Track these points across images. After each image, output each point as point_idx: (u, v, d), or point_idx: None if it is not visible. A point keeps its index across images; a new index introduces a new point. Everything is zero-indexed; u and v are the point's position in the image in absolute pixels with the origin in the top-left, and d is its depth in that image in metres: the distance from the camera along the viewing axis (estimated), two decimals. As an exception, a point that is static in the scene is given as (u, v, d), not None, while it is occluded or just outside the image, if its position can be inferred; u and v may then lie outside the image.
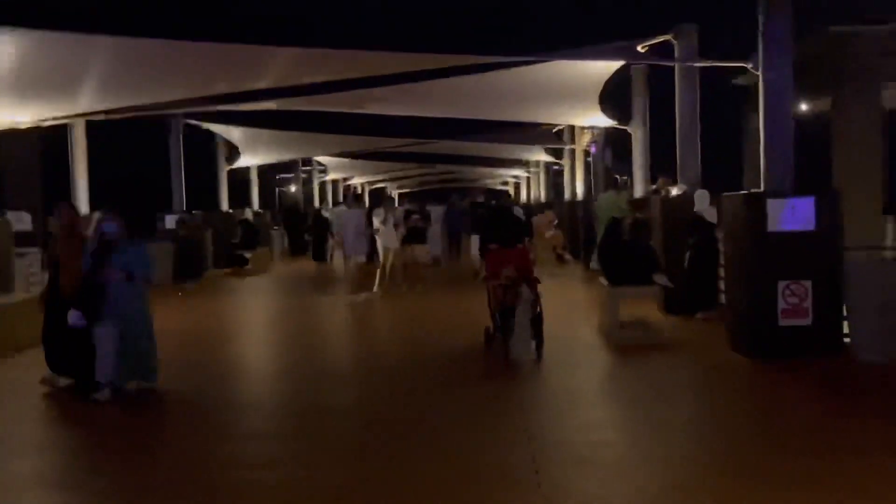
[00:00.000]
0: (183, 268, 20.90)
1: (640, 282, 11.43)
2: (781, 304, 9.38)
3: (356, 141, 29.69)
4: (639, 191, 17.56)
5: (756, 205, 9.55)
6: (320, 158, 39.38)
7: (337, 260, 23.38)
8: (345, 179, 49.83)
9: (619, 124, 17.99)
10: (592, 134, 23.48)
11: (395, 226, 18.17)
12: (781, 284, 9.38)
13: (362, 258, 17.74)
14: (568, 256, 24.84)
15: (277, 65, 12.79)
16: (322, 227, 24.75)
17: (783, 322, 9.40)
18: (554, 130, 27.90)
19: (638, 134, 17.76)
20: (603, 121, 18.26)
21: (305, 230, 28.91)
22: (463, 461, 6.21)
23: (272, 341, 13.19)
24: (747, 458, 6.17)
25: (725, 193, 10.38)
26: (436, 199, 35.60)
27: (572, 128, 27.08)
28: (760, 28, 9.74)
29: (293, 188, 55.48)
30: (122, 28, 11.11)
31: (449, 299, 16.57)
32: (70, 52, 11.42)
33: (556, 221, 25.51)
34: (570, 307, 14.83)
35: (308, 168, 41.73)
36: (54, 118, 15.45)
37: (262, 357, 11.73)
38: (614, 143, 24.09)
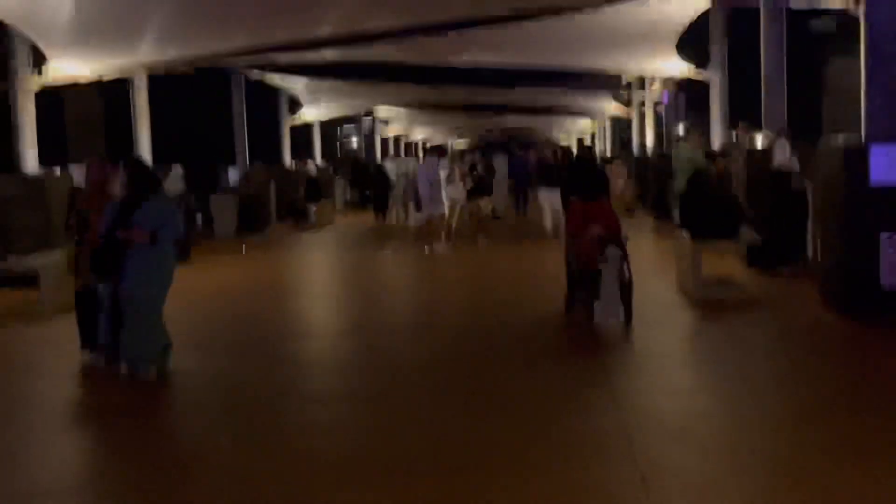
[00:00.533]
0: (247, 222, 20.68)
1: (725, 235, 10.80)
2: (884, 260, 8.68)
3: (418, 91, 29.05)
4: (716, 142, 16.76)
5: (857, 153, 8.83)
6: (382, 111, 38.88)
7: (399, 215, 22.89)
8: (406, 133, 49.30)
9: (697, 70, 17.13)
10: (663, 83, 22.62)
11: (462, 178, 17.70)
12: (884, 237, 8.67)
13: (441, 211, 16.89)
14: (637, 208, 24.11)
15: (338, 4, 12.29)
16: (383, 182, 24.10)
17: (886, 280, 8.70)
18: (625, 81, 27.02)
19: (717, 81, 16.90)
20: (679, 67, 17.42)
21: (369, 184, 28.33)
22: (548, 432, 5.75)
23: (337, 298, 12.83)
24: (853, 434, 5.59)
25: (821, 141, 9.63)
26: (499, 150, 34.78)
27: (642, 78, 26.24)
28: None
29: (354, 141, 55.29)
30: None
31: (521, 256, 15.95)
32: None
33: (626, 174, 24.72)
34: (647, 262, 14.16)
35: (370, 119, 41.23)
36: (115, 71, 15.18)
37: (327, 314, 11.39)
38: (686, 93, 23.27)
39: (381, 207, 23.33)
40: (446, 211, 17.45)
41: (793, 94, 14.05)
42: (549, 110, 43.31)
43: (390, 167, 24.41)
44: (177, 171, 19.16)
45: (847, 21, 21.97)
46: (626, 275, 8.91)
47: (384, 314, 10.96)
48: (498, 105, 37.75)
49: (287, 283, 14.25)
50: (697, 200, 10.99)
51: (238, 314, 10.98)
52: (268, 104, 26.65)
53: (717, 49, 16.81)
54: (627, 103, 30.45)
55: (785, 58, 12.98)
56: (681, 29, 15.39)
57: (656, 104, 25.56)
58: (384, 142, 43.23)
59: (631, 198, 24.16)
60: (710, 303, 10.11)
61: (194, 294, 12.25)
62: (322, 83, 26.09)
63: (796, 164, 11.55)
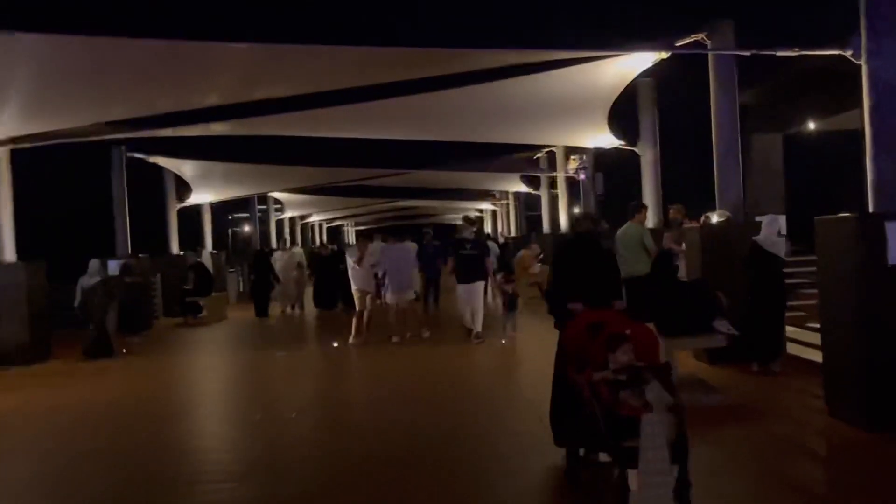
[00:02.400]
0: (128, 319, 18.28)
1: (698, 330, 9.21)
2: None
3: (313, 173, 27.34)
4: (650, 220, 15.40)
5: (870, 230, 7.37)
6: (276, 195, 36.96)
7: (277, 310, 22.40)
8: (302, 217, 47.37)
9: (626, 145, 15.84)
10: (581, 159, 21.38)
11: (371, 266, 15.86)
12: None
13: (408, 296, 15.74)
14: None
15: (228, 67, 10.45)
16: (265, 271, 22.50)
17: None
18: (535, 157, 25.81)
19: (648, 155, 15.63)
20: (608, 139, 16.10)
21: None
22: None
23: (231, 421, 10.62)
24: None
25: (819, 217, 8.14)
26: (394, 236, 33.06)
27: (553, 154, 25.09)
28: (864, 5, 7.62)
29: (247, 228, 52.97)
30: (47, 24, 8.59)
31: (448, 357, 13.95)
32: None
33: (542, 255, 23.25)
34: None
35: (263, 207, 39.19)
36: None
37: (218, 445, 9.22)
38: (605, 168, 22.10)
39: (262, 306, 21.83)
40: (356, 302, 15.64)
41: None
42: (450, 193, 42.24)
43: (279, 257, 23.52)
44: (93, 265, 17.04)
45: (771, 96, 21.40)
46: (682, 425, 5.32)
47: (288, 447, 8.84)
48: (395, 188, 36.37)
49: (169, 398, 11.90)
50: (666, 289, 9.39)
51: (99, 449, 8.71)
52: (152, 186, 24.35)
53: (648, 121, 15.59)
54: (535, 183, 29.35)
55: (738, 121, 11.66)
56: (611, 98, 14.09)
57: (575, 180, 24.32)
58: (279, 225, 41.10)
59: (546, 281, 22.68)
60: (694, 412, 8.40)
61: (47, 419, 10.02)
62: (213, 166, 24.08)
63: (783, 245, 10.13)
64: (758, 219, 11.67)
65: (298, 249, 32.18)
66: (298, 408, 10.16)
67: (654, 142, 15.54)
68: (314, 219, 52.01)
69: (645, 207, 14.10)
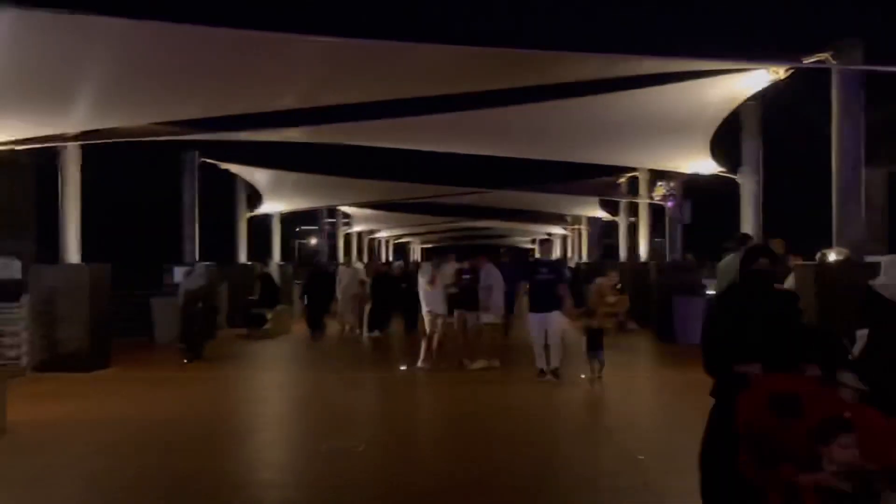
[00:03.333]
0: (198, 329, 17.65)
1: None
2: None
3: (384, 188, 26.58)
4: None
5: None
6: (345, 209, 36.40)
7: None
8: (370, 232, 46.83)
9: (727, 172, 14.74)
10: (668, 185, 20.27)
11: (445, 286, 15.03)
12: None
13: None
14: (632, 325, 21.51)
15: (307, 64, 9.69)
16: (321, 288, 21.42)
17: None
18: (618, 181, 24.75)
19: (749, 185, 14.52)
20: (706, 167, 15.02)
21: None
22: None
23: (303, 446, 9.82)
24: None
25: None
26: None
27: (636, 179, 24.04)
28: None
29: (313, 240, 52.58)
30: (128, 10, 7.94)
31: (532, 397, 12.75)
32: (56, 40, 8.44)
33: (619, 285, 22.16)
34: (658, 396, 11.65)
35: (332, 220, 38.65)
36: (36, 139, 12.41)
37: (291, 474, 8.40)
38: (692, 196, 20.94)
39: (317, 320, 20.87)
40: (427, 324, 14.82)
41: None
42: (521, 215, 41.25)
43: (343, 272, 22.01)
44: (199, 268, 17.37)
45: (879, 128, 20.04)
46: None
47: (354, 482, 7.97)
48: (466, 206, 35.51)
49: (230, 418, 11.12)
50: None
51: (152, 474, 7.95)
52: (223, 193, 23.84)
53: (752, 147, 14.49)
54: (613, 209, 28.27)
55: (862, 154, 10.54)
56: (718, 119, 13.06)
57: (658, 207, 23.22)
58: (347, 239, 40.54)
59: (625, 311, 21.61)
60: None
61: (100, 433, 9.33)
62: (285, 175, 23.50)
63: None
64: (869, 259, 10.54)
65: (360, 265, 31.58)
66: (366, 437, 9.28)
67: (758, 170, 14.43)
68: (381, 235, 51.45)
69: (751, 239, 13.03)
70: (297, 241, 56.70)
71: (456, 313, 15.19)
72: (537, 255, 14.70)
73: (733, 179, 15.10)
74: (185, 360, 15.83)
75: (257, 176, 23.46)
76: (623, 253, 26.76)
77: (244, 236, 24.71)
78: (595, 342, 12.79)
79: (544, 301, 12.93)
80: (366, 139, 16.48)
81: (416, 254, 64.86)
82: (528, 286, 13.14)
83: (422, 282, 15.10)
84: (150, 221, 27.54)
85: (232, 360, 16.45)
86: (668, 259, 20.84)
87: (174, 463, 8.12)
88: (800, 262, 13.21)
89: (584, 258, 36.36)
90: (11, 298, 14.11)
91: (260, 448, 9.12)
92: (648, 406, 11.54)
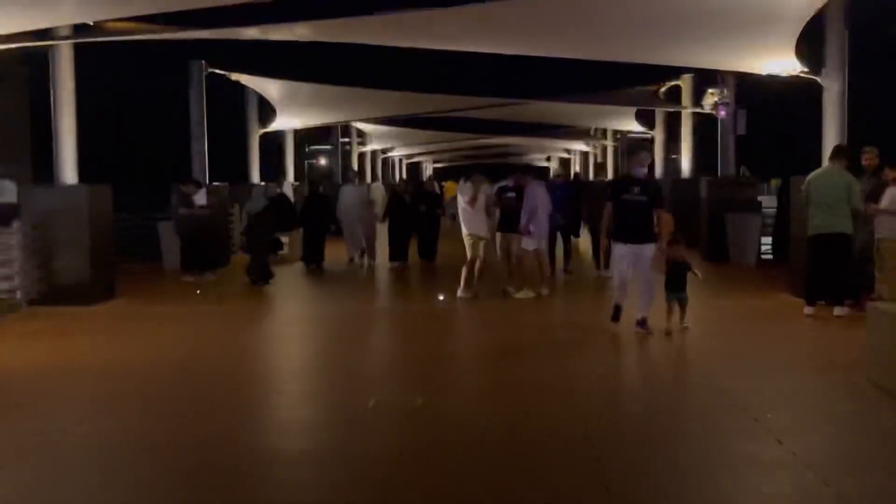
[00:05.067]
0: (200, 254, 16.14)
1: None
2: None
3: (401, 100, 24.56)
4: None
5: None
6: (359, 125, 34.60)
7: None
8: (384, 151, 45.06)
9: (808, 73, 12.90)
10: (722, 92, 18.49)
11: (487, 207, 13.45)
12: None
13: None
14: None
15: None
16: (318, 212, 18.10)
17: None
18: (659, 89, 22.90)
19: (834, 87, 12.73)
20: (784, 66, 13.14)
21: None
22: None
23: (338, 402, 8.32)
24: None
25: None
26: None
27: (676, 89, 22.23)
28: None
29: (322, 160, 50.76)
30: None
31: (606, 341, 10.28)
32: None
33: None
34: (765, 334, 10.06)
35: (346, 140, 36.77)
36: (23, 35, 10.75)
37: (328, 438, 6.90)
38: (748, 107, 19.17)
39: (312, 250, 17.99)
40: (468, 249, 13.28)
41: None
42: (540, 128, 39.27)
43: (346, 192, 19.14)
44: (259, 189, 16.48)
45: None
46: None
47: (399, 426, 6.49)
48: (481, 120, 33.52)
49: (247, 360, 9.65)
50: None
51: (157, 434, 6.49)
52: (233, 108, 22.08)
53: (837, 45, 12.65)
54: (650, 122, 26.47)
55: None
56: (811, 7, 11.24)
57: (698, 118, 21.50)
58: (361, 158, 38.78)
59: (669, 233, 19.96)
60: None
61: (99, 379, 7.84)
62: (299, 87, 21.71)
63: None
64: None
65: (377, 185, 29.76)
66: (421, 389, 7.74)
67: (843, 71, 12.63)
68: (395, 154, 49.67)
69: (846, 150, 11.36)
70: (307, 161, 54.85)
71: (499, 237, 13.63)
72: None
73: (800, 83, 13.36)
74: (198, 292, 14.39)
75: (269, 88, 21.68)
76: (659, 169, 25.06)
77: (256, 154, 23.05)
78: (676, 279, 9.96)
79: (637, 230, 9.89)
80: (380, 36, 14.60)
81: (429, 172, 62.95)
82: (611, 209, 10.04)
83: (461, 201, 13.56)
84: (155, 139, 25.73)
85: (249, 291, 14.95)
86: (719, 174, 19.15)
87: (192, 426, 6.61)
88: (896, 175, 11.62)
89: (610, 176, 34.61)
90: (4, 224, 12.59)
91: (292, 405, 7.57)
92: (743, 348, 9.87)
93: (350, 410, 7.05)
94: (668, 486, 5.15)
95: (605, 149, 37.51)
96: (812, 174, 11.37)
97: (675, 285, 9.92)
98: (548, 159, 61.19)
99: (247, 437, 6.37)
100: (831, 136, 12.72)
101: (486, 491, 5.16)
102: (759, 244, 17.95)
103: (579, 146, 44.38)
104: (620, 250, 10.07)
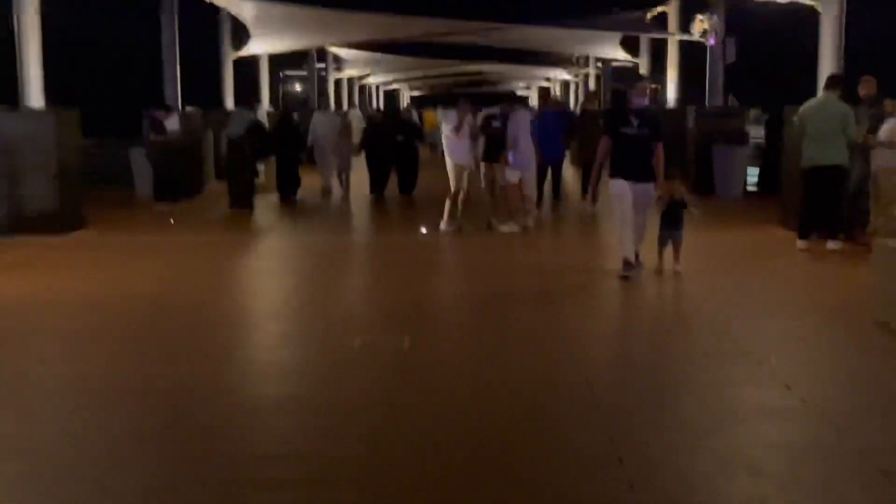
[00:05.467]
0: (173, 181, 15.62)
1: None
2: None
3: (379, 24, 23.64)
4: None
5: None
6: (336, 50, 33.67)
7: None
8: (360, 78, 44.08)
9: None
10: (711, 18, 17.95)
11: (472, 136, 12.97)
12: None
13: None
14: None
15: None
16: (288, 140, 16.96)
17: None
18: (647, 15, 22.26)
19: (831, 13, 12.28)
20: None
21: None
22: None
23: (328, 332, 7.95)
24: None
25: None
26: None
27: (663, 16, 21.61)
28: None
29: (298, 87, 49.75)
30: None
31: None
32: None
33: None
34: (764, 271, 9.73)
35: (322, 66, 35.77)
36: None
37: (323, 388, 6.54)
38: (738, 34, 18.65)
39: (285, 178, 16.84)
40: (452, 179, 12.87)
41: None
42: (520, 54, 38.30)
43: (319, 120, 17.97)
44: (239, 113, 16.32)
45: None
46: None
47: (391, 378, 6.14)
48: (460, 46, 32.63)
49: (223, 296, 9.27)
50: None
51: (146, 389, 6.11)
52: (205, 31, 21.26)
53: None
54: (634, 49, 25.84)
55: None
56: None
57: (682, 46, 20.95)
58: (337, 85, 37.90)
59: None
60: None
61: (77, 316, 7.43)
62: (273, 7, 20.88)
63: None
64: None
65: (355, 112, 28.98)
66: (409, 329, 7.39)
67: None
68: (371, 80, 48.64)
69: (842, 79, 10.95)
70: (281, 87, 53.69)
71: (483, 166, 13.18)
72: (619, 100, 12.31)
73: (792, 12, 12.90)
74: (172, 220, 13.92)
75: (243, 10, 20.83)
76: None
77: (230, 79, 22.31)
78: (675, 217, 9.28)
79: (637, 166, 8.94)
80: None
81: (406, 101, 61.91)
82: (608, 141, 9.08)
83: (445, 129, 13.09)
84: (126, 63, 24.85)
85: (225, 222, 14.48)
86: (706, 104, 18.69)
87: (168, 370, 6.22)
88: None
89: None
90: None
91: (274, 345, 7.20)
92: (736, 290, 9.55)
93: (335, 352, 6.67)
94: (680, 442, 4.83)
95: (594, 77, 36.75)
96: (806, 104, 10.99)
97: (671, 223, 9.29)
98: (528, 88, 60.35)
99: (226, 383, 6.00)
100: (826, 65, 12.32)
101: (479, 444, 4.81)
102: (746, 176, 17.62)
103: (561, 74, 43.56)
104: (621, 188, 8.94)
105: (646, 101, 9.58)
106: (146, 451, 4.75)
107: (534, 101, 52.30)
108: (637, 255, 9.27)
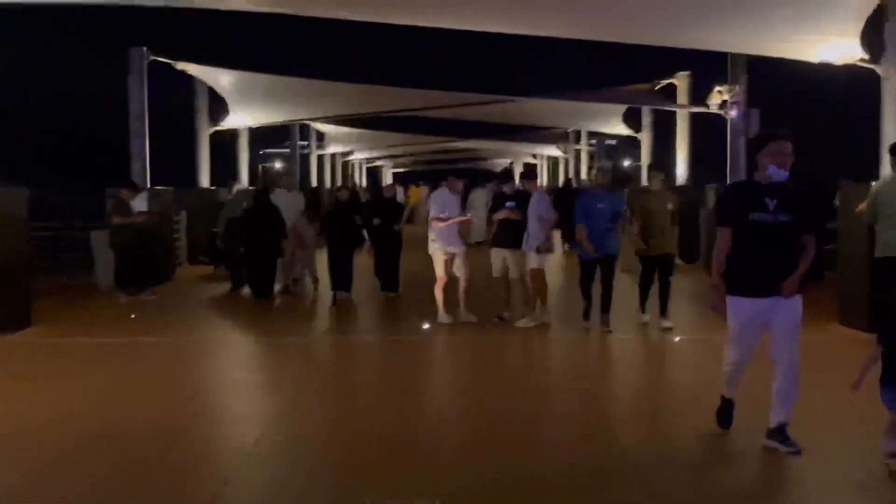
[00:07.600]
0: (137, 268, 13.73)
1: None
2: None
3: (364, 94, 21.98)
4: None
5: None
6: (319, 127, 32.31)
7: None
8: (344, 154, 42.70)
9: (868, 61, 10.85)
10: (733, 90, 16.54)
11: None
12: None
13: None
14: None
15: None
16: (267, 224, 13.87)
17: None
18: (655, 87, 20.92)
19: (895, 78, 10.76)
20: (837, 53, 11.09)
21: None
22: None
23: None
24: None
25: None
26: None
27: (671, 87, 20.31)
28: None
29: (278, 164, 48.36)
30: None
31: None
32: None
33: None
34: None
35: (305, 143, 34.36)
36: None
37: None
38: (760, 107, 17.26)
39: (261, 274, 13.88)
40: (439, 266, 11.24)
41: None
42: (508, 129, 36.87)
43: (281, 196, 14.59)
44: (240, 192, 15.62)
45: None
46: None
47: None
48: (445, 120, 31.24)
49: (195, 418, 7.40)
50: None
51: None
52: (180, 102, 19.66)
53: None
54: (636, 125, 24.50)
55: None
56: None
57: (689, 119, 19.68)
58: (320, 161, 36.42)
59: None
60: None
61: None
62: (254, 78, 19.37)
63: None
64: None
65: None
66: (421, 479, 5.51)
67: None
68: (355, 157, 47.27)
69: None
70: (261, 165, 52.21)
71: (493, 253, 11.43)
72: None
73: (818, 77, 11.42)
74: (133, 316, 12.07)
75: (221, 80, 19.29)
76: (645, 175, 23.10)
77: (206, 156, 20.61)
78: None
79: (776, 271, 5.84)
80: (348, 6, 12.34)
81: (388, 178, 60.61)
82: (728, 237, 5.94)
83: (432, 213, 11.41)
84: (91, 137, 23.16)
85: (196, 312, 12.64)
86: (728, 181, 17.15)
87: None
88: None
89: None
90: None
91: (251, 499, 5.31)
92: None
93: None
94: None
95: (578, 154, 35.40)
96: (879, 182, 9.42)
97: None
98: (511, 164, 59.28)
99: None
100: (890, 134, 10.75)
101: None
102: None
103: (549, 150, 42.23)
104: (747, 310, 5.99)
105: (786, 174, 5.78)
106: None
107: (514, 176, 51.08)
108: (784, 427, 6.04)
